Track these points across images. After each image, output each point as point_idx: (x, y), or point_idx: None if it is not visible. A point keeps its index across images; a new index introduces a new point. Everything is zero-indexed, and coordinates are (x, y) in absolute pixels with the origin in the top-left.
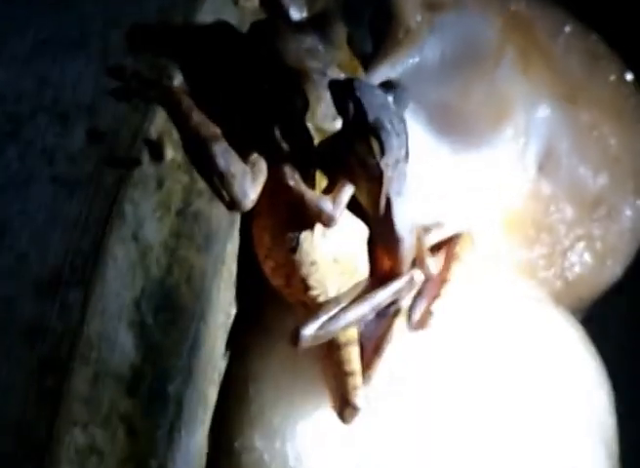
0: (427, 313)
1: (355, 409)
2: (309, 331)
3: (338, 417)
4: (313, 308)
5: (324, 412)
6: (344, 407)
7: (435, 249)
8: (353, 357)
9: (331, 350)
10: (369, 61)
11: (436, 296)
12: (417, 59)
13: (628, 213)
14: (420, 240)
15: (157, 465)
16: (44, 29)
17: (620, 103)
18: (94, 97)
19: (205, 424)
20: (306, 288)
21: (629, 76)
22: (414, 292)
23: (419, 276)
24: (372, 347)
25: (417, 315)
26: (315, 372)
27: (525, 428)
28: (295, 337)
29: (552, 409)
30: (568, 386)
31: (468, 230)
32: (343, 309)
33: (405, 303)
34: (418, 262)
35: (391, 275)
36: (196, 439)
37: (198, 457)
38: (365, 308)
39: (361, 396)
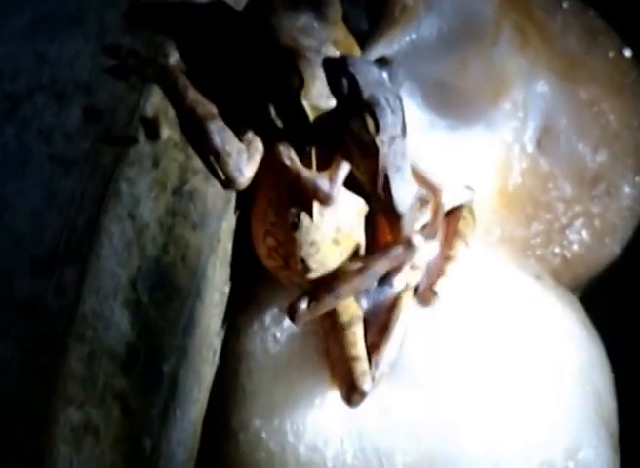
0: (430, 292)
1: (363, 393)
2: (305, 304)
3: (344, 401)
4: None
5: (323, 389)
6: (352, 391)
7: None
8: (358, 339)
9: (335, 332)
10: (365, 40)
11: (440, 274)
12: (413, 37)
13: (628, 190)
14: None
15: (151, 444)
16: (42, 7)
17: (619, 79)
18: (91, 75)
19: (200, 403)
20: (306, 269)
21: (628, 52)
22: (412, 257)
23: (417, 240)
24: (378, 327)
25: (420, 293)
26: (313, 349)
27: (524, 409)
28: (292, 312)
29: (551, 389)
30: (568, 365)
31: (469, 202)
32: (339, 280)
33: (410, 280)
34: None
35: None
36: (191, 418)
37: (192, 436)
38: (362, 278)
39: (368, 380)
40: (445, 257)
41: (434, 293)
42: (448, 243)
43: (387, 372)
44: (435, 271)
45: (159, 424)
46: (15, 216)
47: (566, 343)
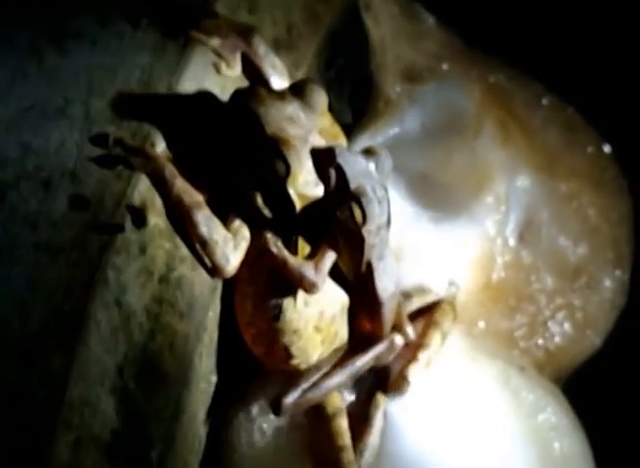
0: (401, 378)
1: None
2: (290, 399)
3: None
4: (294, 376)
5: None
6: None
7: (416, 315)
8: (343, 430)
9: (320, 424)
10: (349, 133)
11: (411, 361)
12: (397, 130)
13: (608, 283)
14: (399, 306)
15: None
16: (27, 97)
17: (599, 175)
18: (77, 163)
19: None
20: (288, 356)
21: (607, 148)
22: (393, 356)
23: (399, 340)
24: (359, 416)
25: (391, 380)
26: (299, 443)
27: None
28: (276, 406)
29: None
30: (552, 457)
31: (450, 298)
32: (324, 376)
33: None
34: (397, 328)
35: (371, 339)
36: None
37: None
38: (345, 374)
39: None
40: (418, 345)
41: (405, 380)
42: (423, 332)
43: (371, 461)
44: (407, 358)
45: None
46: (0, 304)
47: (549, 435)
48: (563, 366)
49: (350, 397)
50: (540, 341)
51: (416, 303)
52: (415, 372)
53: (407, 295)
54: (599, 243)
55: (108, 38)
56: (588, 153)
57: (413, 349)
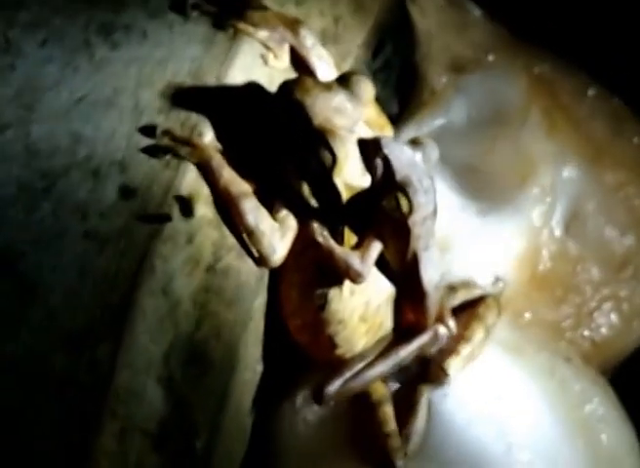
0: (440, 370)
1: None
2: (332, 388)
3: None
4: (338, 365)
5: None
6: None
7: (460, 309)
8: (389, 417)
9: (366, 412)
10: (395, 122)
11: (452, 353)
12: (442, 120)
13: None
14: (443, 298)
15: None
16: (78, 88)
17: None
18: (126, 153)
19: None
20: (333, 346)
21: None
22: (437, 347)
23: (443, 331)
24: (404, 403)
25: (432, 371)
26: (344, 433)
27: None
28: (318, 395)
29: None
30: (600, 449)
31: (495, 293)
32: (367, 366)
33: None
34: (439, 320)
35: (415, 329)
36: None
37: None
38: (389, 364)
39: (401, 456)
40: (460, 337)
41: (444, 372)
42: (465, 325)
43: (417, 447)
44: (448, 350)
45: None
46: (49, 292)
47: (596, 426)
48: (609, 357)
49: (395, 385)
50: (587, 332)
51: (460, 297)
52: (454, 365)
53: (452, 289)
54: None
55: (158, 30)
56: (634, 144)
57: (455, 342)
